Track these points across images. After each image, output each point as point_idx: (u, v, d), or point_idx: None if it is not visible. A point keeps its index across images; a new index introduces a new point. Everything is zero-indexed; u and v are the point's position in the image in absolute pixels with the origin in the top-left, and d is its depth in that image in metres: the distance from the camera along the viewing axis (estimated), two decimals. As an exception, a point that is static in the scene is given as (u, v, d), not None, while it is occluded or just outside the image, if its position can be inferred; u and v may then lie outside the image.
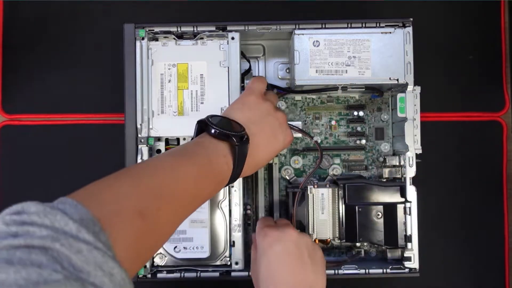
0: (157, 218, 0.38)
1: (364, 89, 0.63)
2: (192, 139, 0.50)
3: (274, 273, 0.51)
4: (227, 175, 0.48)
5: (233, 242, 0.60)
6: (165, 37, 0.61)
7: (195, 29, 0.60)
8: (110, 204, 0.35)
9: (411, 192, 0.59)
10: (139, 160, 0.59)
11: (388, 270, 0.60)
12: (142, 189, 0.38)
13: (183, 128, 0.60)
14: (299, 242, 0.53)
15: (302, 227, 0.61)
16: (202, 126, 0.49)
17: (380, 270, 0.61)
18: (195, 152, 0.46)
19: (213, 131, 0.48)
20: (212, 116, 0.50)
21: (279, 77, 0.68)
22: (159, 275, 0.60)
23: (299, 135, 0.66)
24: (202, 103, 0.60)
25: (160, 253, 0.60)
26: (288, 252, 0.52)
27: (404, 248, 0.60)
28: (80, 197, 0.33)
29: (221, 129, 0.48)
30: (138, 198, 0.37)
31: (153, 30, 0.60)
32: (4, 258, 0.28)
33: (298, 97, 0.67)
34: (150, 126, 0.60)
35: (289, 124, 0.63)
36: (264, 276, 0.52)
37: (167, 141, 0.62)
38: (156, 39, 0.61)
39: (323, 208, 0.61)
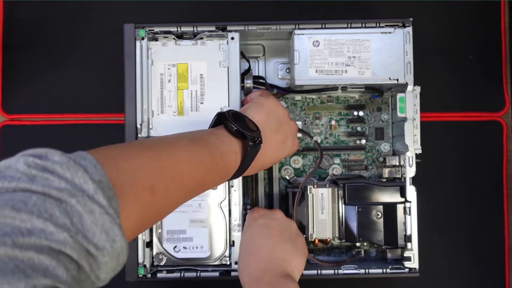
0: (164, 196, 0.39)
1: (364, 89, 0.63)
2: (209, 127, 0.52)
3: (253, 242, 0.55)
4: (233, 171, 0.50)
5: (233, 242, 0.60)
6: (165, 37, 0.61)
7: (195, 29, 0.60)
8: (127, 174, 0.35)
9: (411, 192, 0.59)
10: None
11: (388, 270, 0.60)
12: (158, 167, 0.39)
13: (183, 128, 0.59)
14: (283, 222, 0.57)
15: (302, 227, 0.61)
16: (221, 119, 0.51)
17: (380, 270, 0.61)
18: (211, 144, 0.47)
19: (231, 127, 0.49)
20: (232, 112, 0.51)
21: (279, 77, 0.68)
22: (159, 275, 0.60)
23: (299, 135, 0.66)
24: (201, 103, 0.60)
25: (160, 253, 0.60)
26: (270, 226, 0.56)
27: (404, 248, 0.60)
28: (100, 157, 0.34)
29: (239, 127, 0.49)
30: (153, 175, 0.38)
31: (153, 30, 0.60)
32: (20, 199, 0.28)
33: (298, 97, 0.67)
34: (150, 126, 0.60)
35: None
36: (244, 245, 0.56)
37: (167, 141, 0.62)
38: (156, 39, 0.61)
39: (323, 208, 0.61)
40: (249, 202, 0.66)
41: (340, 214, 0.61)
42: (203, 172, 0.45)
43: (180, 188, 0.41)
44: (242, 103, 0.60)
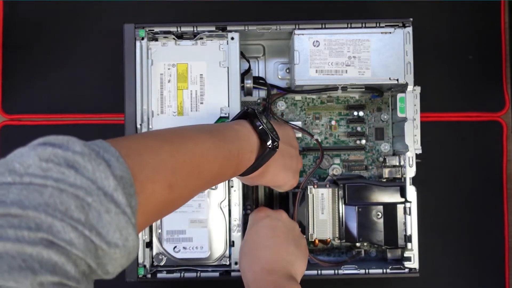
0: (182, 193, 0.38)
1: (364, 89, 0.63)
2: (232, 119, 0.51)
3: (258, 242, 0.55)
4: (244, 169, 0.49)
5: (233, 242, 0.60)
6: (164, 37, 0.61)
7: (194, 29, 0.60)
8: (149, 170, 0.34)
9: (411, 192, 0.59)
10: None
11: (388, 270, 0.60)
12: (179, 162, 0.38)
13: (183, 128, 0.60)
14: (288, 224, 0.57)
15: (302, 227, 0.61)
16: (248, 115, 0.50)
17: (380, 270, 0.61)
18: (230, 139, 0.46)
19: (258, 124, 0.49)
20: (260, 113, 0.51)
21: (279, 77, 0.68)
22: (159, 275, 0.60)
23: (299, 134, 0.66)
24: (201, 103, 0.60)
25: (160, 253, 0.60)
26: (275, 227, 0.56)
27: (404, 248, 0.60)
28: (124, 150, 0.33)
29: (267, 128, 0.48)
30: (173, 171, 0.37)
31: (153, 30, 0.60)
32: (35, 189, 0.28)
33: (298, 97, 0.67)
34: (150, 126, 0.60)
35: (289, 123, 0.63)
36: (248, 244, 0.56)
37: (167, 141, 0.61)
38: (156, 39, 0.61)
39: (323, 208, 0.61)
40: (249, 202, 0.66)
41: (340, 214, 0.61)
42: (218, 167, 0.44)
43: (195, 184, 0.41)
44: None
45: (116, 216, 0.30)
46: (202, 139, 0.43)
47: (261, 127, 0.49)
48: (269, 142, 0.48)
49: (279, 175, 0.54)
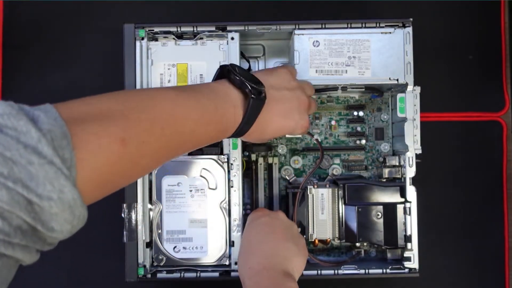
0: (140, 149, 0.37)
1: (364, 89, 0.63)
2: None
3: (256, 237, 0.56)
4: (232, 127, 0.47)
5: (233, 242, 0.60)
6: (164, 37, 0.61)
7: (194, 29, 0.60)
8: (92, 125, 0.34)
9: (411, 192, 0.59)
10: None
11: (388, 270, 0.60)
12: (131, 120, 0.37)
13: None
14: (286, 223, 0.58)
15: (302, 227, 0.61)
16: (224, 72, 0.48)
17: (380, 270, 0.61)
18: (203, 95, 0.44)
19: (233, 77, 0.47)
20: (236, 65, 0.49)
21: (279, 77, 0.68)
22: (159, 275, 0.60)
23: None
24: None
25: (160, 253, 0.60)
26: (273, 224, 0.56)
27: (404, 248, 0.60)
28: (66, 109, 0.33)
29: (243, 78, 0.46)
30: (124, 128, 0.36)
31: (153, 30, 0.60)
32: None
33: (298, 97, 0.67)
34: (150, 126, 0.60)
35: None
36: (246, 239, 0.56)
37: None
38: (156, 39, 0.61)
39: (323, 208, 0.61)
40: (249, 202, 0.66)
41: (340, 214, 0.61)
42: (192, 125, 0.42)
43: (160, 141, 0.39)
44: None
45: (41, 167, 0.29)
46: (164, 97, 0.41)
47: (236, 78, 0.46)
48: (248, 91, 0.46)
49: (281, 122, 0.51)
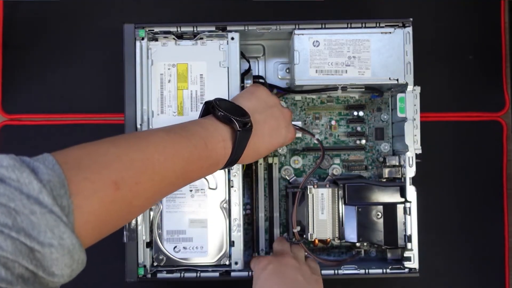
0: (133, 190, 0.38)
1: (364, 89, 0.63)
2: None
3: None
4: (223, 159, 0.48)
5: (233, 242, 0.60)
6: (165, 37, 0.61)
7: (195, 29, 0.60)
8: (87, 171, 0.35)
9: (411, 192, 0.59)
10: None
11: (388, 270, 0.60)
12: (124, 161, 0.38)
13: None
14: (294, 266, 0.55)
15: (302, 227, 0.61)
16: (209, 108, 0.50)
17: (380, 270, 0.61)
18: (192, 132, 0.46)
19: (218, 113, 0.48)
20: (220, 99, 0.51)
21: (279, 77, 0.68)
22: (159, 275, 0.60)
23: (300, 134, 0.66)
24: (201, 103, 0.60)
25: (160, 253, 0.60)
26: (281, 273, 0.54)
27: (404, 248, 0.60)
28: (63, 157, 0.35)
29: (226, 112, 0.48)
30: (117, 170, 0.37)
31: (153, 30, 0.60)
32: None
33: (298, 97, 0.67)
34: (150, 126, 0.60)
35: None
36: None
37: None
38: (156, 39, 0.61)
39: (323, 208, 0.61)
40: (249, 202, 0.66)
41: (340, 214, 0.61)
42: (183, 163, 0.43)
43: (153, 180, 0.40)
44: None
45: (43, 216, 0.31)
46: (155, 138, 0.43)
47: (222, 114, 0.48)
48: (234, 125, 0.48)
49: (271, 141, 0.54)
